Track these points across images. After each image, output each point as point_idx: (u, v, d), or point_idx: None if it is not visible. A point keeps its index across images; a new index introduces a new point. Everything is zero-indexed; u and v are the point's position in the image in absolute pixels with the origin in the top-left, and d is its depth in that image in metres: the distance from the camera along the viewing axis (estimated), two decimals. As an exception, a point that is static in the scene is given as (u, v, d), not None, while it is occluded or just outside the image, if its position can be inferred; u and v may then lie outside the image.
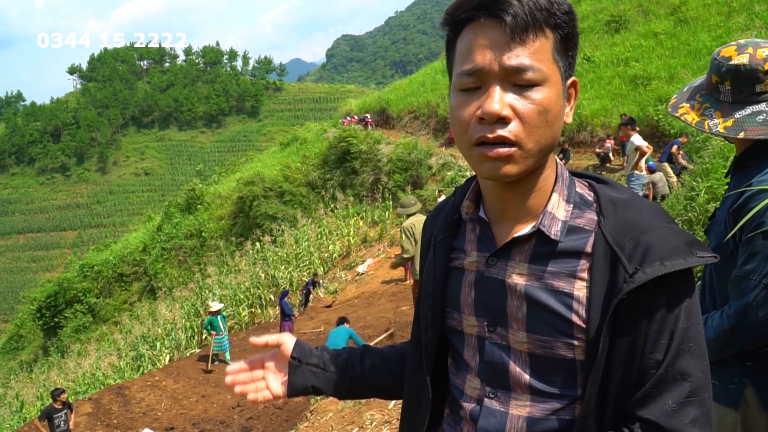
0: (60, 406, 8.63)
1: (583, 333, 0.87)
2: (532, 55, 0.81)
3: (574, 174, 0.99)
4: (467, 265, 0.99)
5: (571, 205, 0.92)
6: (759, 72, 1.50)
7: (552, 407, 0.91)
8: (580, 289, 0.87)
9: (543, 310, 0.89)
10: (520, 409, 0.93)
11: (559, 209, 0.91)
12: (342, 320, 9.11)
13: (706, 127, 1.56)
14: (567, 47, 0.86)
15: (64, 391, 8.80)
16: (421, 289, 1.07)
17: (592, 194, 0.94)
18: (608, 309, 0.83)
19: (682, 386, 0.84)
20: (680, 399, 0.84)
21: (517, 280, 0.91)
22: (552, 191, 0.92)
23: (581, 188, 0.95)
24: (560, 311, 0.88)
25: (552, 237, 0.89)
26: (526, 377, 0.92)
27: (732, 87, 1.54)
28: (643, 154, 7.58)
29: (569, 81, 0.89)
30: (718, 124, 1.54)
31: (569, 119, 0.89)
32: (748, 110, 1.52)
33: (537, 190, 0.91)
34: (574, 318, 0.87)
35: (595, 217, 0.90)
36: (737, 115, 1.52)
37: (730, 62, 1.54)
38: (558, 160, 0.95)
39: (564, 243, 0.89)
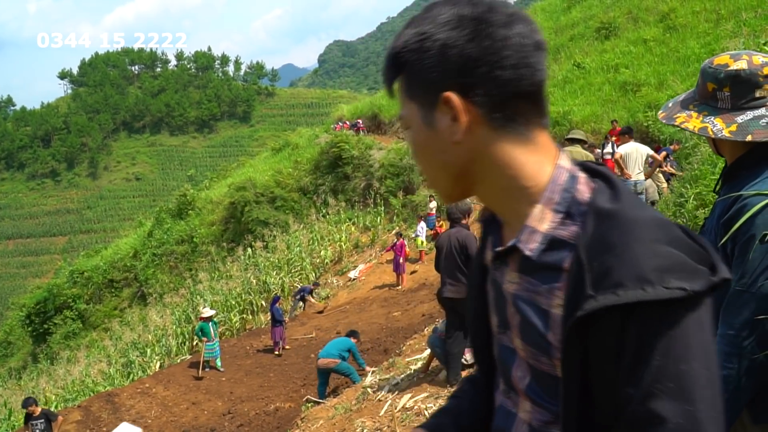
0: (37, 414, 8.49)
1: (559, 352, 0.81)
2: (401, 104, 0.91)
3: (588, 170, 0.86)
4: (488, 264, 0.99)
5: (561, 215, 0.82)
6: (759, 77, 1.51)
7: (546, 419, 0.87)
8: (556, 307, 0.81)
9: (528, 324, 0.85)
10: (526, 414, 0.90)
11: (542, 221, 0.82)
12: (350, 333, 9.16)
13: (710, 132, 1.53)
14: (411, 73, 0.85)
15: (33, 403, 8.64)
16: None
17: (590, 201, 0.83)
18: (568, 334, 0.77)
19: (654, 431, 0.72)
20: None
21: (509, 288, 0.89)
22: (541, 197, 0.83)
23: (586, 190, 0.83)
24: (539, 328, 0.83)
25: (527, 254, 0.83)
26: (526, 383, 0.89)
27: (731, 93, 1.53)
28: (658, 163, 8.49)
29: (437, 101, 0.82)
30: (722, 129, 1.52)
31: (458, 136, 0.81)
32: (750, 115, 1.51)
33: (511, 197, 0.85)
34: (550, 336, 0.82)
35: (578, 230, 0.80)
36: (739, 120, 1.52)
37: (729, 68, 1.53)
38: (562, 156, 0.85)
39: (544, 257, 0.83)
